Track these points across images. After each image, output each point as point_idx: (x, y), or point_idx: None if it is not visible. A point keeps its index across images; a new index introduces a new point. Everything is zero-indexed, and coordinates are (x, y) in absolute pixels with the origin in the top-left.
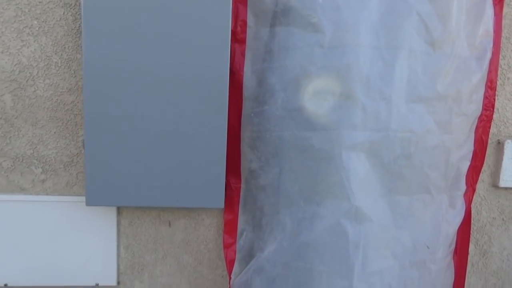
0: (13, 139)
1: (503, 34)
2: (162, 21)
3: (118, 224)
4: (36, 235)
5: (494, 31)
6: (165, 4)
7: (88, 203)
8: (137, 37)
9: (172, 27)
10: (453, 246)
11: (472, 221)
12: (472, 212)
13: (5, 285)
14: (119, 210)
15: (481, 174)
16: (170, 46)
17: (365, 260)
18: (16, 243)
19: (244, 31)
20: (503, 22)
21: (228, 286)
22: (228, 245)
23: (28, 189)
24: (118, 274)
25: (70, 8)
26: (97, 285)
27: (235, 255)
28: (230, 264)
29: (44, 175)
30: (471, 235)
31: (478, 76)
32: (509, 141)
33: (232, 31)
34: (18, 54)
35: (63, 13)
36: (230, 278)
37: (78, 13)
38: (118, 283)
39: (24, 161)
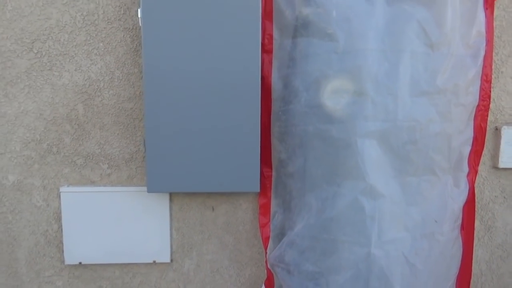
0: (85, 141)
1: (495, 33)
2: (207, 38)
3: (171, 209)
4: (104, 220)
5: (486, 32)
6: (209, 24)
7: (149, 191)
8: (186, 52)
9: (214, 42)
10: (459, 221)
11: (476, 200)
12: (476, 191)
13: (80, 263)
14: (171, 198)
15: (482, 157)
16: (213, 58)
17: (380, 231)
18: (88, 227)
19: (270, 43)
20: (495, 23)
21: (265, 261)
22: (263, 225)
23: (97, 181)
24: (171, 252)
25: (129, 31)
26: (154, 262)
27: (269, 233)
28: (265, 241)
29: (110, 170)
30: (476, 212)
31: (473, 71)
32: (505, 127)
33: (261, 43)
34: (88, 71)
35: (123, 36)
36: (266, 253)
37: (135, 35)
38: (172, 260)
39: (94, 159)
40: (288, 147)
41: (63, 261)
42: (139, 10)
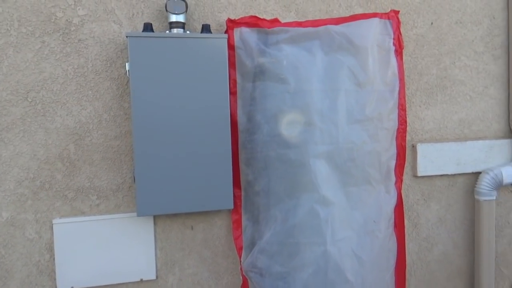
0: (75, 176)
1: (405, 73)
2: (185, 84)
3: (155, 231)
4: (94, 246)
5: (398, 72)
6: (187, 73)
7: (138, 215)
8: (168, 96)
9: (192, 88)
10: (392, 221)
11: (403, 202)
12: (403, 196)
13: (72, 287)
14: (155, 221)
15: (405, 169)
16: (191, 100)
17: (333, 232)
18: (79, 253)
19: (235, 86)
20: (404, 65)
21: (240, 268)
22: (237, 237)
23: (87, 212)
24: (157, 270)
25: (114, 81)
26: (141, 280)
27: (242, 244)
28: (239, 251)
29: (98, 200)
30: (404, 213)
31: (392, 103)
32: (419, 144)
33: (228, 87)
34: (79, 115)
35: (110, 84)
36: (240, 262)
37: (120, 83)
38: (157, 277)
39: (84, 192)
40: (254, 170)
41: None
42: (127, 63)
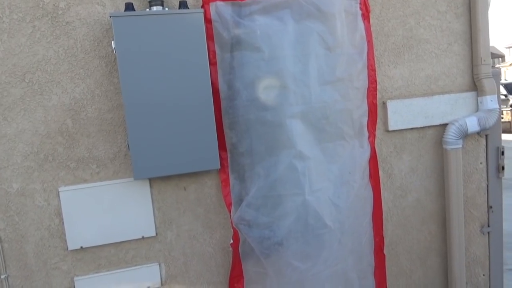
0: (75, 148)
1: (373, 36)
2: (168, 58)
3: (151, 194)
4: (98, 209)
5: (366, 35)
6: (169, 47)
7: (135, 178)
8: (153, 69)
9: (175, 60)
10: (367, 172)
11: (377, 155)
12: (376, 149)
13: (81, 247)
14: (151, 184)
15: (377, 124)
16: (175, 72)
17: (311, 183)
18: (85, 217)
19: (215, 57)
20: (372, 28)
21: (230, 222)
22: (226, 195)
23: (88, 179)
24: (156, 228)
25: (103, 59)
26: (142, 237)
27: (231, 200)
28: (229, 207)
29: (98, 169)
30: (379, 165)
31: (361, 64)
32: (389, 101)
33: (208, 58)
34: (73, 92)
35: (99, 63)
36: (230, 216)
37: (108, 61)
38: (156, 234)
39: (84, 161)
40: (237, 133)
41: (66, 249)
42: (112, 41)
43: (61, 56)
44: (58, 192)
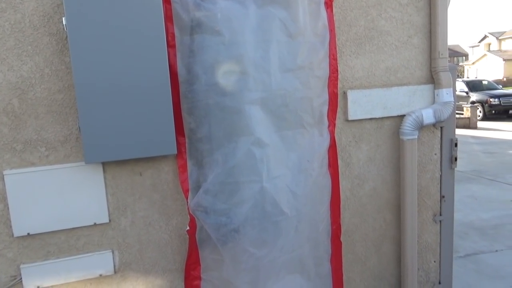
0: (22, 129)
1: (336, 25)
2: (123, 38)
3: (105, 179)
4: (47, 195)
5: (329, 24)
6: (123, 27)
7: (86, 162)
8: (107, 49)
9: (130, 41)
10: (326, 160)
11: (336, 144)
12: (336, 138)
13: (28, 233)
14: (104, 169)
15: (337, 113)
16: (129, 53)
17: (269, 170)
18: (33, 202)
19: (173, 39)
20: (335, 17)
21: (187, 208)
22: (183, 181)
23: (37, 163)
24: (109, 214)
25: (53, 36)
26: (95, 223)
27: (188, 186)
28: (186, 193)
29: (47, 152)
30: (338, 154)
31: (323, 53)
32: (349, 91)
33: (166, 40)
34: (20, 70)
35: (49, 40)
36: (187, 202)
37: (59, 38)
38: (110, 220)
39: (32, 144)
40: (195, 118)
41: (11, 235)
42: (63, 18)
43: (7, 31)
44: (3, 175)
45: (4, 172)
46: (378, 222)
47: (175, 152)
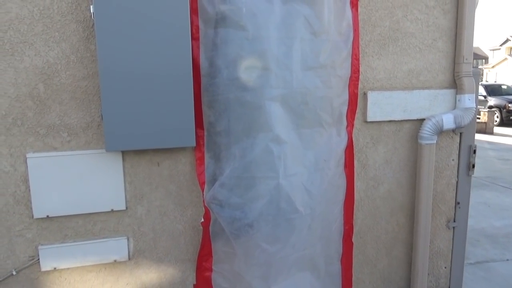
0: (46, 114)
1: (360, 25)
2: (149, 29)
3: (123, 167)
4: (67, 179)
5: (353, 23)
6: (150, 18)
7: (107, 149)
8: (133, 39)
9: (155, 32)
10: (342, 161)
11: (353, 145)
12: (353, 139)
13: (47, 216)
14: (123, 157)
15: (356, 114)
16: (155, 44)
17: (285, 167)
18: (53, 186)
19: (197, 32)
20: (359, 17)
21: (202, 201)
22: (200, 173)
23: (58, 148)
24: (126, 201)
25: (81, 23)
26: (112, 210)
27: (205, 179)
28: (202, 185)
29: (69, 137)
30: (354, 155)
31: (345, 52)
32: (370, 92)
33: (190, 33)
34: (47, 56)
35: (76, 27)
36: (203, 195)
37: (86, 26)
38: (127, 208)
39: (55, 129)
40: (215, 111)
41: (31, 217)
42: (91, 6)
43: (36, 16)
44: (26, 158)
45: (27, 155)
46: (390, 225)
47: (194, 144)
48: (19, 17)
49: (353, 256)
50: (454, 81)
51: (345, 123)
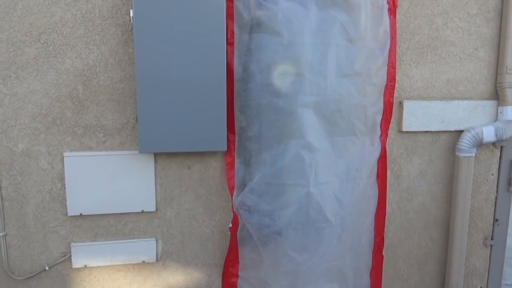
0: (84, 114)
1: (397, 32)
2: (186, 33)
3: (155, 169)
4: (100, 179)
5: (390, 31)
6: (187, 22)
7: (140, 151)
8: (170, 44)
9: (192, 36)
10: (375, 171)
11: (387, 155)
12: (387, 149)
13: (80, 214)
14: (155, 159)
15: (391, 124)
16: (191, 48)
17: (316, 175)
18: (87, 185)
19: (232, 37)
20: (397, 24)
21: (231, 206)
22: (230, 178)
23: (94, 147)
24: (156, 203)
25: (120, 27)
26: (142, 211)
27: (234, 184)
28: (231, 190)
29: (105, 138)
30: (387, 165)
31: (381, 60)
32: (406, 101)
33: (226, 37)
34: (87, 58)
35: (115, 31)
36: (232, 200)
37: (125, 30)
38: (156, 209)
39: (91, 129)
40: (247, 116)
41: (65, 214)
42: (131, 10)
43: (78, 20)
44: (63, 156)
45: (64, 154)
46: (424, 240)
47: (225, 148)
48: (63, 21)
49: (383, 270)
50: (496, 92)
51: (379, 132)
